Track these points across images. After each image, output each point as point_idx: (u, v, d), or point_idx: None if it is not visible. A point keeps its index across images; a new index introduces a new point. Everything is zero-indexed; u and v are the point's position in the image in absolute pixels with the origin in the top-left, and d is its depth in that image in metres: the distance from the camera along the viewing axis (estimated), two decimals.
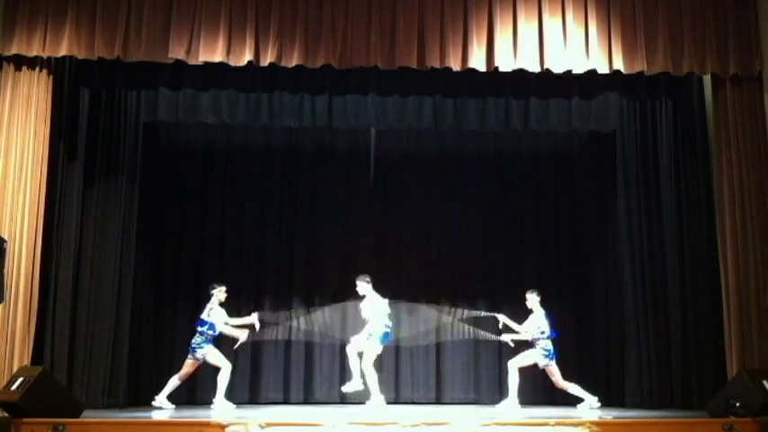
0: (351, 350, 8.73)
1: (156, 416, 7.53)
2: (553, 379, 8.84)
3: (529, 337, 8.87)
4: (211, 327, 8.66)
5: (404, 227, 10.38)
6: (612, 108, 9.46)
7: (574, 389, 8.78)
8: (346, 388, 8.76)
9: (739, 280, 8.01)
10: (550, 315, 8.94)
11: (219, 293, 8.82)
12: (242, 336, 8.80)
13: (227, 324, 8.76)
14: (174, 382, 8.66)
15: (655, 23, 8.27)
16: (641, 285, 9.17)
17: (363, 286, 8.85)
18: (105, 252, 8.77)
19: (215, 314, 8.69)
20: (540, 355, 8.76)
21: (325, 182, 10.56)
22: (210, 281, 9.07)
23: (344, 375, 9.60)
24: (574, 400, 8.78)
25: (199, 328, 8.70)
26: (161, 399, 8.56)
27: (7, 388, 6.57)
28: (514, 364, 8.81)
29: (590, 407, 8.59)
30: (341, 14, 8.14)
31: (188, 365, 8.70)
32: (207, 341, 8.66)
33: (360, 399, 9.02)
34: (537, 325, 8.81)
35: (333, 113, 9.22)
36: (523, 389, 8.92)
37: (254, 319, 8.92)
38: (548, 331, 8.80)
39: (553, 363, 8.77)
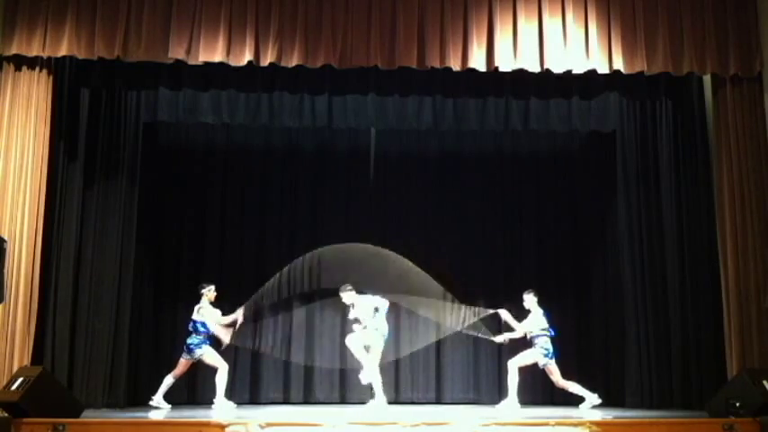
0: (353, 342, 8.73)
1: (156, 416, 7.53)
2: (552, 378, 8.83)
3: (527, 335, 8.84)
4: (204, 325, 8.66)
5: (404, 227, 10.37)
6: (612, 108, 9.46)
7: (574, 387, 8.78)
8: (363, 378, 8.68)
9: (739, 280, 8.01)
10: (548, 314, 8.93)
11: (209, 293, 8.81)
12: (225, 338, 8.78)
13: (216, 323, 8.75)
14: (168, 381, 8.67)
15: (655, 23, 8.27)
16: (641, 285, 9.17)
17: (348, 295, 8.85)
18: (105, 252, 8.78)
19: (205, 312, 8.69)
20: (539, 354, 8.75)
21: (325, 182, 10.55)
22: (210, 281, 9.05)
23: (345, 375, 9.61)
24: (574, 400, 8.77)
25: (191, 329, 8.70)
26: (158, 399, 8.57)
27: (7, 388, 6.57)
28: (514, 364, 8.80)
29: (591, 405, 8.59)
30: (341, 14, 8.14)
31: (182, 365, 8.71)
32: (203, 341, 8.66)
33: (361, 399, 9.03)
34: (537, 324, 8.80)
35: (333, 113, 9.24)
36: (523, 389, 8.91)
37: (238, 314, 8.86)
38: (548, 330, 8.80)
39: (552, 362, 8.77)
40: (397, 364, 10.13)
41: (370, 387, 8.74)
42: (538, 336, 8.78)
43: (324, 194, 10.53)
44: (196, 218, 10.36)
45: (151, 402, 8.55)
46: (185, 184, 10.36)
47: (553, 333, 8.84)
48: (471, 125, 9.41)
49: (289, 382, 9.99)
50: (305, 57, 8.08)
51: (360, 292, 8.89)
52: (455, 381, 10.15)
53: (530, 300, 8.93)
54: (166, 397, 8.63)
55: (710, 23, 8.35)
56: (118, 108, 9.16)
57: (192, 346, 8.65)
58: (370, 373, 8.62)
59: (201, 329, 8.66)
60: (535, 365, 8.85)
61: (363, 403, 8.83)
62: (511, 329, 9.01)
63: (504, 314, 9.01)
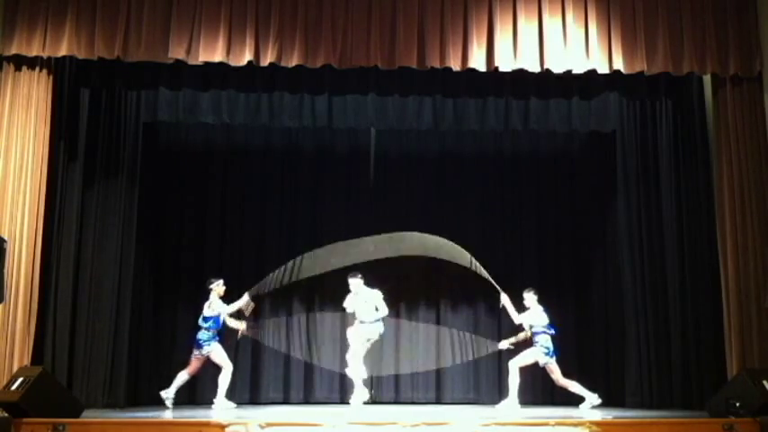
0: (354, 338, 8.82)
1: (156, 416, 7.52)
2: (553, 377, 8.83)
3: (528, 331, 8.82)
4: (215, 320, 8.66)
5: (404, 227, 10.36)
6: (612, 108, 9.46)
7: (574, 387, 8.78)
8: (354, 400, 8.73)
9: (739, 280, 8.01)
10: (548, 312, 8.91)
11: (218, 287, 8.81)
12: (241, 326, 8.82)
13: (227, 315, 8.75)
14: (182, 377, 8.65)
15: (655, 23, 8.27)
16: (641, 285, 9.17)
17: (356, 282, 8.90)
18: (105, 252, 8.78)
19: (216, 306, 8.69)
20: (540, 353, 8.75)
21: (325, 182, 10.55)
22: (217, 276, 9.04)
23: (344, 375, 9.59)
24: (574, 400, 8.77)
25: (203, 324, 8.69)
26: (170, 392, 8.55)
27: (7, 388, 6.56)
28: (515, 364, 8.80)
29: (591, 405, 8.59)
30: (341, 14, 8.14)
31: (195, 361, 8.68)
32: (213, 337, 8.65)
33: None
34: (538, 322, 8.78)
35: (333, 113, 9.23)
36: (523, 389, 8.91)
37: (245, 299, 8.89)
38: (548, 328, 8.78)
39: (553, 360, 8.76)
40: (397, 364, 10.14)
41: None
42: (538, 334, 8.78)
43: (324, 194, 10.53)
44: (196, 218, 10.36)
45: (162, 392, 8.54)
46: (185, 184, 10.36)
47: (554, 332, 8.84)
48: (471, 125, 9.40)
49: (289, 382, 10.00)
50: (305, 57, 8.08)
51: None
52: (455, 381, 10.15)
53: (530, 298, 8.93)
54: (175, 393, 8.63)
55: (710, 23, 8.34)
56: (118, 108, 9.16)
57: (201, 342, 8.63)
58: (354, 369, 8.70)
59: (212, 326, 8.65)
60: (535, 365, 8.84)
61: (363, 403, 8.82)
62: (515, 331, 8.98)
63: (505, 300, 8.95)
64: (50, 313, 8.25)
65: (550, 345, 8.78)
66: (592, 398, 8.68)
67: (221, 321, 8.72)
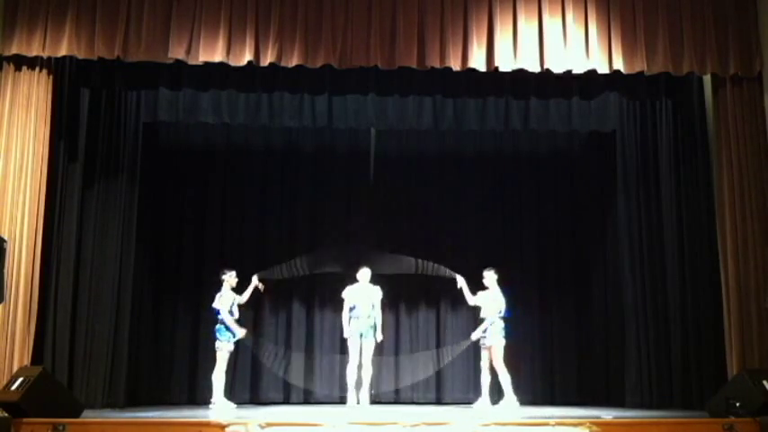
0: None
1: (156, 416, 7.52)
2: (494, 360, 8.60)
3: (481, 312, 8.70)
4: (219, 313, 8.65)
5: (403, 227, 10.37)
6: (612, 108, 9.47)
7: (503, 378, 8.56)
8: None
9: (739, 280, 8.01)
10: (506, 293, 8.78)
11: (230, 279, 8.78)
12: (240, 332, 8.77)
13: (233, 309, 8.70)
14: (213, 379, 8.60)
15: (655, 23, 8.27)
16: (641, 285, 9.18)
17: (364, 273, 8.95)
18: (105, 252, 8.78)
19: (223, 300, 8.67)
20: (498, 336, 8.55)
21: (325, 182, 10.55)
22: (210, 281, 9.03)
23: (344, 375, 9.60)
24: (574, 401, 8.74)
25: (219, 317, 8.67)
26: (217, 399, 8.52)
27: (7, 388, 6.57)
28: (498, 365, 8.58)
29: (508, 405, 8.44)
30: (341, 14, 8.14)
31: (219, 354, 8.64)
32: (229, 333, 8.61)
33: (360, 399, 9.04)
34: (496, 305, 8.64)
35: (333, 113, 9.23)
36: (524, 389, 8.91)
37: (254, 281, 8.89)
38: (503, 311, 8.65)
39: (503, 342, 8.60)
40: (397, 364, 10.14)
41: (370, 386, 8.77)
42: (495, 316, 8.62)
43: (324, 194, 10.53)
44: (196, 218, 10.36)
45: (212, 405, 8.50)
46: (185, 184, 10.37)
47: (508, 315, 8.67)
48: (471, 125, 9.40)
49: (289, 382, 9.99)
50: (305, 57, 8.08)
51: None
52: (455, 381, 10.15)
53: (490, 277, 8.81)
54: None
55: (710, 23, 8.34)
56: (118, 108, 9.17)
57: (215, 334, 8.61)
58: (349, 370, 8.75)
59: (221, 317, 8.65)
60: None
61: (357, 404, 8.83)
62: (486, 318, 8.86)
63: (461, 282, 8.87)
64: (50, 313, 8.25)
65: (503, 325, 8.59)
66: (511, 400, 8.48)
67: (222, 314, 8.68)
